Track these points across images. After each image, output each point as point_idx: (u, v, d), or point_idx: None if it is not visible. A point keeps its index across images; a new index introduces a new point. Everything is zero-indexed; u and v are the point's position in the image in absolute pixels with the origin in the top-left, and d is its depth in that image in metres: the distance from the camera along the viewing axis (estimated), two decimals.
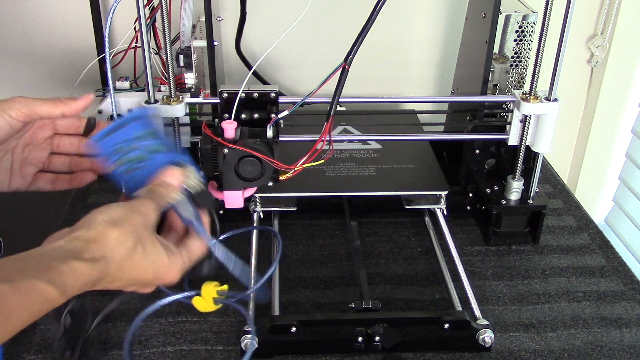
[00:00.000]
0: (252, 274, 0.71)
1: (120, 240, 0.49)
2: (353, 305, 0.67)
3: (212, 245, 0.57)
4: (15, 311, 0.42)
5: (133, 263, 0.50)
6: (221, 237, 0.73)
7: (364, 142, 0.95)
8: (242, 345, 0.65)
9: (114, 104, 0.72)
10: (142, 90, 0.75)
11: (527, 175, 0.82)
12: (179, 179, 0.58)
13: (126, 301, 0.71)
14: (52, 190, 0.65)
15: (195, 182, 0.59)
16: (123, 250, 0.50)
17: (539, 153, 0.80)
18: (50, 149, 0.64)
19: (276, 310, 0.70)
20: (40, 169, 0.64)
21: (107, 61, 0.70)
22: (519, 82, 0.88)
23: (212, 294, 0.66)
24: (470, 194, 0.88)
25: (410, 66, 1.12)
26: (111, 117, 0.74)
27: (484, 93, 0.86)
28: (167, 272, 0.54)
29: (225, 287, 0.67)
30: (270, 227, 0.75)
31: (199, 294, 0.62)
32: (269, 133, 0.70)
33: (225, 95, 0.73)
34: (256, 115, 0.74)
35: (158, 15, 0.75)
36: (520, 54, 0.86)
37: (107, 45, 0.69)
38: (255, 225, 0.82)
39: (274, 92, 0.74)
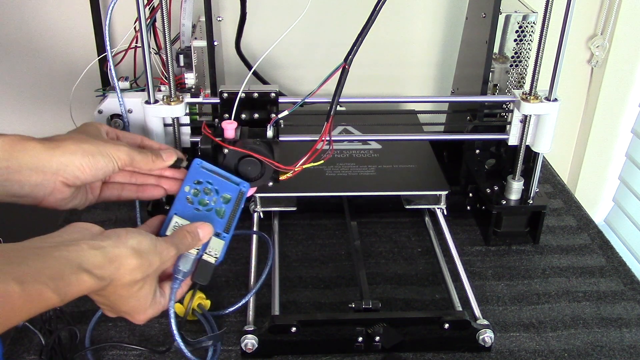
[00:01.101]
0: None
1: (133, 270, 0.52)
2: (353, 305, 0.67)
3: (170, 309, 0.59)
4: (19, 312, 0.43)
5: (126, 293, 0.53)
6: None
7: (364, 142, 0.95)
8: (242, 345, 0.65)
9: (121, 100, 0.72)
10: (142, 90, 0.75)
11: (527, 175, 0.82)
12: (208, 238, 0.62)
13: None
14: (118, 201, 0.66)
15: (214, 252, 0.63)
16: (128, 279, 0.52)
17: (539, 153, 0.80)
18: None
19: (276, 310, 0.70)
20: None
21: (110, 60, 0.70)
22: (519, 82, 0.88)
23: (194, 304, 0.68)
24: (470, 194, 0.88)
25: (410, 66, 1.12)
26: (115, 115, 0.75)
27: (484, 93, 0.86)
28: (141, 314, 0.56)
29: (207, 302, 0.69)
30: (263, 232, 0.75)
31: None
32: (269, 133, 0.70)
33: (225, 95, 0.73)
34: (256, 115, 0.74)
35: (158, 15, 0.75)
36: (520, 54, 0.86)
37: (108, 43, 0.69)
38: (255, 225, 0.82)
39: (274, 92, 0.74)
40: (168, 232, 0.61)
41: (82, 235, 0.52)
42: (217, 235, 0.63)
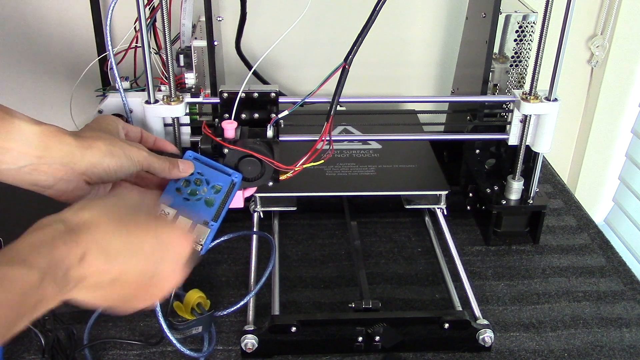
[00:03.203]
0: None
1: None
2: (353, 305, 0.67)
3: None
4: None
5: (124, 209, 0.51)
6: (219, 240, 0.75)
7: (364, 142, 0.95)
8: (242, 345, 0.65)
9: (124, 100, 0.72)
10: (143, 90, 0.75)
11: (527, 175, 0.82)
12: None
13: None
14: None
15: (201, 240, 0.62)
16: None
17: (539, 153, 0.80)
18: None
19: (276, 310, 0.70)
20: None
21: (112, 59, 0.70)
22: (519, 82, 0.88)
23: (193, 304, 0.68)
24: (470, 194, 0.88)
25: (410, 66, 1.12)
26: (115, 115, 0.75)
27: (484, 93, 0.86)
28: (172, 231, 0.53)
29: (207, 304, 0.70)
30: (264, 233, 0.75)
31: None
32: (269, 133, 0.70)
33: (225, 95, 0.73)
34: (256, 115, 0.74)
35: (158, 15, 0.75)
36: (520, 54, 0.86)
37: (109, 43, 0.69)
38: (255, 225, 0.82)
39: (274, 92, 0.74)
40: None
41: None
42: (204, 223, 0.62)
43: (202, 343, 0.67)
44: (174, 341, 0.62)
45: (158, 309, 0.59)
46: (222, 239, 0.76)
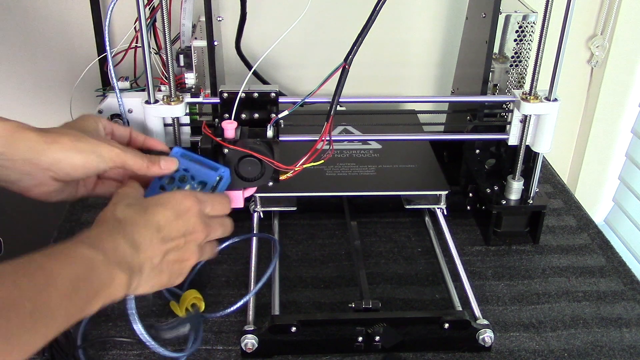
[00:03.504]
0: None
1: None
2: (353, 305, 0.67)
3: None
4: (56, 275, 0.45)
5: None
6: (225, 244, 0.75)
7: (364, 142, 0.95)
8: (242, 345, 0.65)
9: (120, 100, 0.72)
10: (143, 90, 0.75)
11: (527, 175, 0.82)
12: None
13: None
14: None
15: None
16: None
17: (539, 153, 0.80)
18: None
19: (276, 310, 0.70)
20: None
21: (109, 60, 0.70)
22: (519, 82, 0.88)
23: (187, 304, 0.67)
24: (470, 194, 0.88)
25: (410, 66, 1.12)
26: (115, 115, 0.75)
27: (484, 93, 0.86)
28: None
29: (201, 305, 0.69)
30: (269, 234, 0.75)
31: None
32: (269, 133, 0.70)
33: (225, 95, 0.73)
34: (256, 115, 0.74)
35: (158, 15, 0.75)
36: (520, 54, 0.86)
37: (107, 44, 0.69)
38: (255, 225, 0.82)
39: (274, 92, 0.74)
40: None
41: None
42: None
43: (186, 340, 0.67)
44: (148, 339, 0.59)
45: (133, 310, 0.57)
46: (226, 243, 0.76)
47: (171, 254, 0.55)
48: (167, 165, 0.63)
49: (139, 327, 0.57)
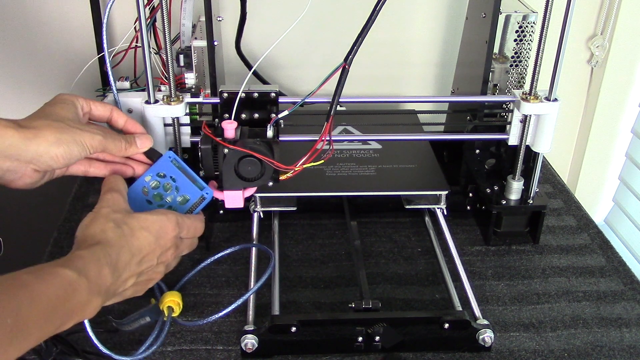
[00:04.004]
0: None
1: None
2: (353, 305, 0.67)
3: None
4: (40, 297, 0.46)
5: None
6: (219, 255, 0.75)
7: (364, 142, 0.95)
8: (242, 345, 0.65)
9: (117, 99, 0.72)
10: (142, 90, 0.75)
11: (527, 175, 0.82)
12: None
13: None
14: (85, 176, 0.66)
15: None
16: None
17: (539, 153, 0.80)
18: None
19: (276, 310, 0.70)
20: None
21: (106, 59, 0.70)
22: (519, 82, 0.88)
23: (164, 304, 0.68)
24: (470, 194, 0.88)
25: (410, 66, 1.12)
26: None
27: (484, 93, 0.86)
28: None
29: (177, 309, 0.69)
30: (265, 246, 0.74)
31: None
32: (269, 133, 0.70)
33: (225, 95, 0.73)
34: (256, 115, 0.74)
35: (158, 15, 0.75)
36: (520, 54, 0.86)
37: (105, 43, 0.69)
38: (255, 225, 0.82)
39: (274, 92, 0.74)
40: None
41: None
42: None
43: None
44: (99, 346, 0.62)
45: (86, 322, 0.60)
46: (223, 252, 0.76)
47: (143, 275, 0.58)
48: (143, 143, 0.65)
49: (91, 335, 0.60)
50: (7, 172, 0.58)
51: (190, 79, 0.80)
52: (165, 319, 0.67)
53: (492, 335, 0.66)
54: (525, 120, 0.78)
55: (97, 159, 0.66)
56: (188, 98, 0.75)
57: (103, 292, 0.52)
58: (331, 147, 0.70)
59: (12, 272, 0.46)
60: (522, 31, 0.84)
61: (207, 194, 0.66)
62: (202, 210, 0.67)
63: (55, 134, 0.58)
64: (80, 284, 0.49)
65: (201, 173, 0.70)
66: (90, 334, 0.60)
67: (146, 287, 0.61)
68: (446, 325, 0.66)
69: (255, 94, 0.73)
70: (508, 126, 0.81)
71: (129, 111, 0.74)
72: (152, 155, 0.67)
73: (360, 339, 0.66)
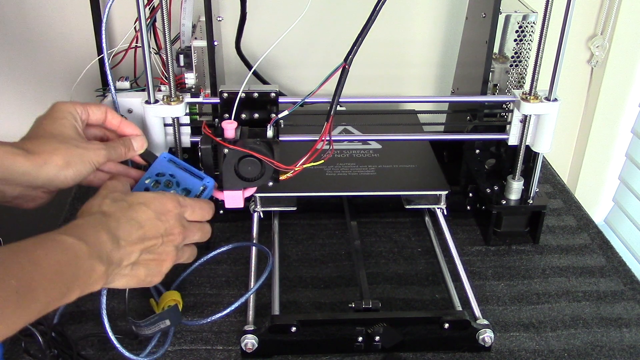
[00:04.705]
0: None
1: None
2: (353, 305, 0.67)
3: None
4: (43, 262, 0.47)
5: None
6: (217, 251, 0.75)
7: (364, 142, 0.95)
8: (242, 345, 0.65)
9: (115, 99, 0.72)
10: (142, 90, 0.75)
11: (527, 175, 0.82)
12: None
13: None
14: (89, 186, 0.66)
15: None
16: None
17: (539, 153, 0.80)
18: None
19: (276, 310, 0.70)
20: None
21: (105, 60, 0.70)
22: (519, 82, 0.88)
23: (165, 303, 0.68)
24: (470, 194, 0.88)
25: (410, 66, 1.12)
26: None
27: (484, 93, 0.87)
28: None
29: (174, 308, 0.67)
30: (263, 246, 0.74)
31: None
32: (269, 133, 0.70)
33: (225, 95, 0.73)
34: (256, 115, 0.74)
35: (158, 15, 0.75)
36: (520, 54, 0.86)
37: (104, 44, 0.69)
38: (255, 225, 0.82)
39: (274, 92, 0.74)
40: None
41: None
42: None
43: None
44: (117, 345, 0.62)
45: (104, 312, 0.60)
46: (221, 249, 0.77)
47: (148, 252, 0.57)
48: (140, 146, 0.66)
49: (107, 327, 0.60)
50: (18, 198, 0.59)
51: (190, 79, 0.80)
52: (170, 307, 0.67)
53: (492, 335, 0.66)
54: (525, 120, 0.78)
55: (101, 170, 0.66)
56: (188, 98, 0.75)
57: (105, 259, 0.52)
58: (331, 147, 0.70)
59: (13, 242, 0.47)
60: (522, 31, 0.84)
61: (207, 182, 0.66)
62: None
63: (64, 158, 0.58)
64: (81, 247, 0.50)
65: None
66: (110, 335, 0.61)
67: (159, 269, 0.59)
68: (446, 325, 0.66)
69: (255, 94, 0.73)
70: (508, 126, 0.81)
71: (129, 111, 0.74)
72: (148, 157, 0.67)
73: (360, 339, 0.66)
